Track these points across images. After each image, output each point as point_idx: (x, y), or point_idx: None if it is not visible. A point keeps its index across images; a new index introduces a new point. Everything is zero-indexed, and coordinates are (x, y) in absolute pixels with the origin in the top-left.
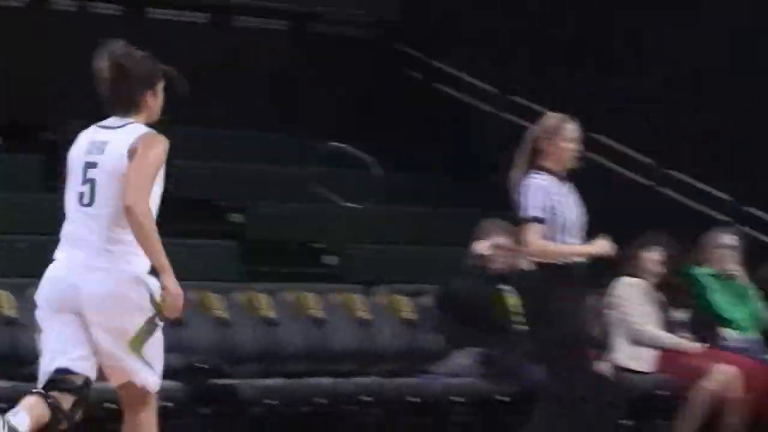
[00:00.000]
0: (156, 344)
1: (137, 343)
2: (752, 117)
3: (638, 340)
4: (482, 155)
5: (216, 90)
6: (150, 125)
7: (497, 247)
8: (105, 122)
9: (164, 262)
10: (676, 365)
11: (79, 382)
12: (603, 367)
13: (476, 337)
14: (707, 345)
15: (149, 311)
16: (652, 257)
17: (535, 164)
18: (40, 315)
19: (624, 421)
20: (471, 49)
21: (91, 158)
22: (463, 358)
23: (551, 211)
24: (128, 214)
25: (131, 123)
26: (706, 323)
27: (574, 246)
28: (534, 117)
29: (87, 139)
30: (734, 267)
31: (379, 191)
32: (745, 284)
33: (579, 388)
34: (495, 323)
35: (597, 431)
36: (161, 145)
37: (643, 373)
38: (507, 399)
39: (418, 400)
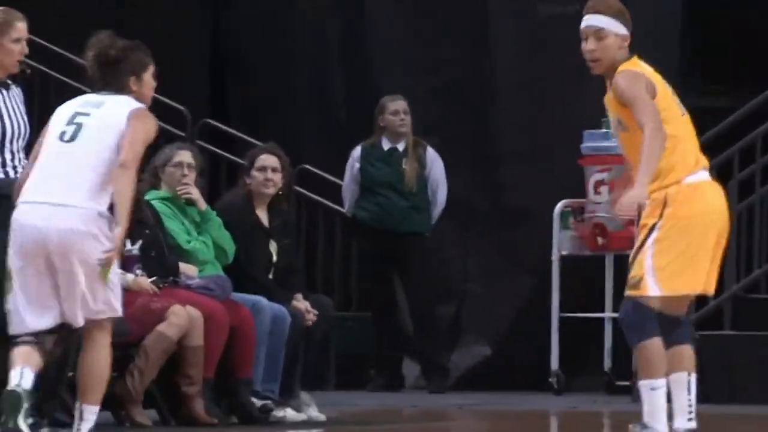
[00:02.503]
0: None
1: (105, 274)
2: None
3: None
4: None
5: None
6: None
7: None
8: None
9: (126, 219)
10: (129, 306)
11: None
12: None
13: None
14: (164, 283)
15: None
16: None
17: None
18: (14, 263)
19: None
20: None
21: (84, 109)
22: None
23: None
24: (121, 169)
25: (127, 96)
26: (161, 256)
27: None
28: None
29: (80, 99)
30: (192, 189)
31: None
32: (206, 210)
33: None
34: None
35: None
36: (154, 122)
37: None
38: None
39: None
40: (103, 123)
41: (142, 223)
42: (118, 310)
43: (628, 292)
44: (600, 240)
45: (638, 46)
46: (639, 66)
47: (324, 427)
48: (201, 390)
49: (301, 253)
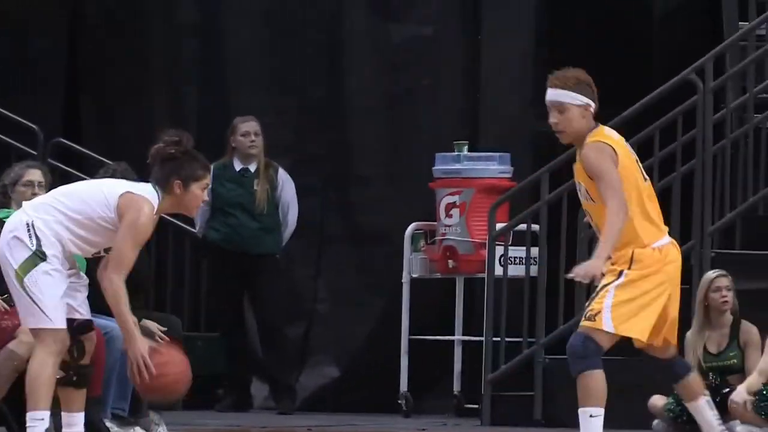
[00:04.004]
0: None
1: (18, 278)
2: None
3: None
4: None
5: None
6: None
7: None
8: None
9: (130, 328)
10: None
11: None
12: None
13: None
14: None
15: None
16: None
17: None
18: None
19: None
20: None
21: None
22: None
23: None
24: (103, 285)
25: (155, 188)
26: None
27: None
28: None
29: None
30: None
31: None
32: None
33: None
34: None
35: None
36: (142, 215)
37: None
38: None
39: None
40: (104, 185)
41: None
42: (35, 322)
43: (583, 324)
44: (450, 263)
45: (494, 70)
46: (605, 137)
47: None
48: (51, 408)
49: (151, 272)
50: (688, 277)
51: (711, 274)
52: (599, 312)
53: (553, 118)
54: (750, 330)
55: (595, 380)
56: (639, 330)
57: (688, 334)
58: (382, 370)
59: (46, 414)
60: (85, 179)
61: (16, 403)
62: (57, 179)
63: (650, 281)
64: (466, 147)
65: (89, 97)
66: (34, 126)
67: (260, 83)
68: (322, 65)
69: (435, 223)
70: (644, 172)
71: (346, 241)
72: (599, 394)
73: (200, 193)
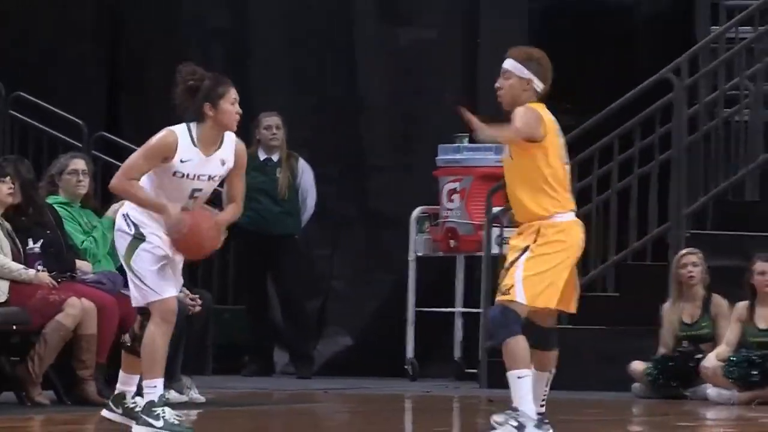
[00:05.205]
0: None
1: (126, 260)
2: None
3: None
4: None
5: None
6: None
7: None
8: None
9: (158, 203)
10: (31, 298)
11: None
12: None
13: None
14: (62, 277)
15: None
16: (4, 188)
17: None
18: None
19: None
20: None
21: None
22: None
23: None
24: (113, 189)
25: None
26: (60, 254)
27: None
28: None
29: None
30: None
31: None
32: (102, 213)
33: None
34: None
35: None
36: (161, 134)
37: None
38: None
39: None
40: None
41: (43, 224)
42: (143, 298)
43: (498, 298)
44: (452, 243)
45: (491, 69)
46: (542, 109)
47: (203, 408)
48: (94, 374)
49: None
50: (665, 255)
51: (682, 252)
52: (512, 286)
53: (498, 82)
54: (720, 303)
55: (518, 345)
56: (548, 299)
57: (665, 305)
58: (391, 339)
59: (160, 381)
60: None
61: (63, 369)
62: (99, 169)
63: (555, 257)
64: (466, 139)
65: (128, 94)
66: (79, 121)
67: (282, 82)
68: (337, 66)
69: (438, 207)
70: (567, 158)
71: (359, 224)
72: (524, 356)
73: (230, 107)
